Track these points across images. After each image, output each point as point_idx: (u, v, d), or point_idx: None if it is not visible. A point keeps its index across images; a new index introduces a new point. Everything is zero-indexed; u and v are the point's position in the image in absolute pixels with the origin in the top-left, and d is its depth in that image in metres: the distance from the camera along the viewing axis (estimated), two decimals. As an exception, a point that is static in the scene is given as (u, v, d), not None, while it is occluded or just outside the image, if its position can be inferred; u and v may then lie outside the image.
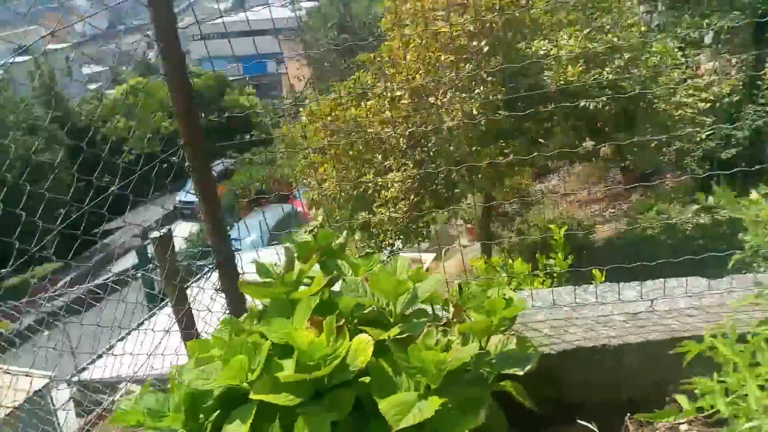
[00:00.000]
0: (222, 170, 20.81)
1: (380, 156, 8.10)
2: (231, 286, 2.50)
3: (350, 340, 1.58)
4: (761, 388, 1.44)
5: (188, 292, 2.63)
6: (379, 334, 1.60)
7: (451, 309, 1.78)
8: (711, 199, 1.54)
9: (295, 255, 1.88)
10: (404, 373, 1.51)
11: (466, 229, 12.61)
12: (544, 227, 10.65)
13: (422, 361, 1.43)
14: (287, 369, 1.54)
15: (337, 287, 1.95)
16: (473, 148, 7.40)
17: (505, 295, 1.68)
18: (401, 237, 8.38)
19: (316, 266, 1.98)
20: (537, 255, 5.82)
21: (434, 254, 10.86)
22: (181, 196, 19.87)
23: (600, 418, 2.00)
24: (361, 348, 1.55)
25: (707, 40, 10.62)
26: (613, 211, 12.01)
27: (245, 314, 1.92)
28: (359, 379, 1.59)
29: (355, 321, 1.81)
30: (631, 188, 12.24)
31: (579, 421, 1.96)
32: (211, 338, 1.84)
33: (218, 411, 1.71)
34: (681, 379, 1.65)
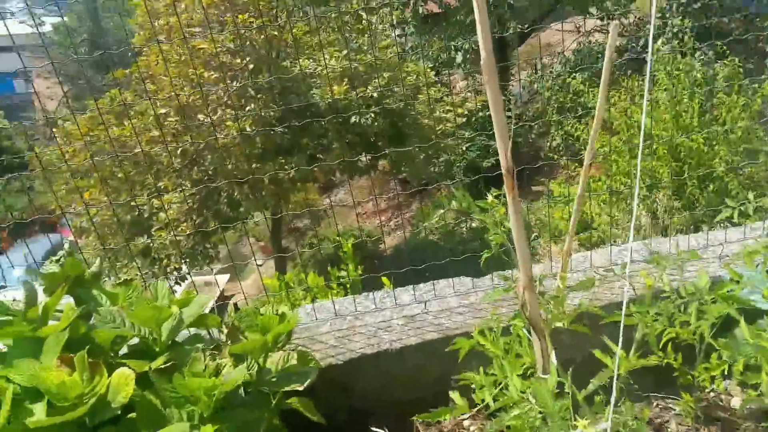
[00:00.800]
0: (-31, 200, 17.87)
1: (152, 177, 7.64)
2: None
3: (111, 375, 1.45)
4: (522, 377, 1.58)
5: None
6: (141, 366, 1.49)
7: (225, 329, 1.74)
8: (453, 203, 1.70)
9: (40, 288, 1.68)
10: (173, 405, 1.42)
11: (260, 247, 12.45)
12: (335, 240, 10.98)
13: (190, 389, 1.36)
14: (38, 413, 1.36)
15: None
16: (253, 166, 7.34)
17: (278, 311, 1.68)
18: (187, 260, 7.99)
19: (67, 298, 1.79)
20: (329, 268, 5.99)
21: (228, 275, 10.55)
22: None
23: (392, 420, 2.04)
24: (121, 383, 1.43)
25: (458, 59, 11.86)
26: (397, 220, 12.80)
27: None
28: (127, 416, 1.47)
29: (120, 354, 1.67)
30: (412, 198, 13.18)
31: (372, 429, 1.98)
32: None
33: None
34: (457, 375, 1.76)
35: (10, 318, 1.54)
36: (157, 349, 1.61)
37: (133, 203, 6.56)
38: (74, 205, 6.61)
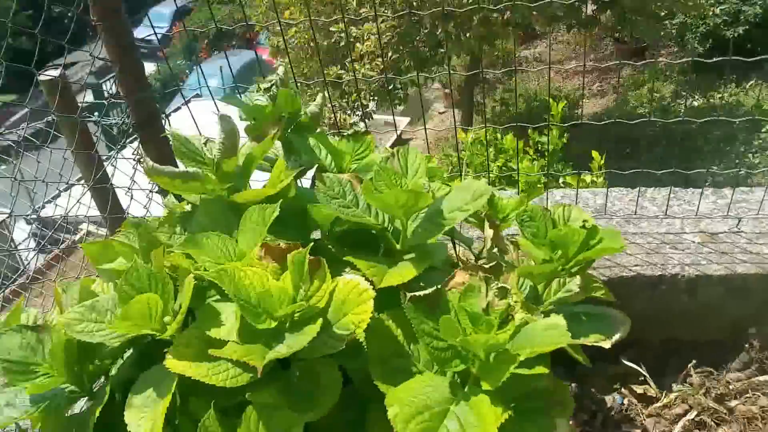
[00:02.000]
0: (180, 7, 18.83)
1: (355, 2, 7.01)
2: (157, 156, 1.78)
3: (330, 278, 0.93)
4: None
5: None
6: (380, 275, 0.95)
7: (487, 230, 1.13)
8: None
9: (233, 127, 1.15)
10: (426, 344, 0.88)
11: (443, 94, 11.71)
12: (531, 98, 9.92)
13: (467, 343, 0.79)
14: (226, 327, 0.89)
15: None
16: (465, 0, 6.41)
17: (585, 222, 1.02)
18: (375, 98, 7.55)
19: (276, 144, 1.28)
20: (530, 131, 5.16)
21: (408, 118, 10.10)
22: (139, 33, 17.89)
23: (652, 359, 1.61)
24: (351, 299, 0.90)
25: None
26: (601, 85, 11.22)
27: (165, 211, 1.23)
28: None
29: (334, 239, 1.15)
30: (623, 63, 11.39)
31: (625, 362, 1.57)
32: (114, 244, 1.17)
33: (119, 365, 1.09)
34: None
35: (198, 169, 1.04)
36: (398, 246, 1.05)
37: (332, 28, 6.07)
38: (272, 24, 6.25)
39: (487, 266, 0.93)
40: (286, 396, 0.87)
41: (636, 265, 1.57)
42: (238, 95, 1.44)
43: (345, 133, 1.30)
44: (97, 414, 0.94)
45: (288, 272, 0.89)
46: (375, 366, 0.89)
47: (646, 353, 1.62)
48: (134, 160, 1.75)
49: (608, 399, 1.63)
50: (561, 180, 5.14)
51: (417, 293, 0.85)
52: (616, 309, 1.10)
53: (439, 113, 11.55)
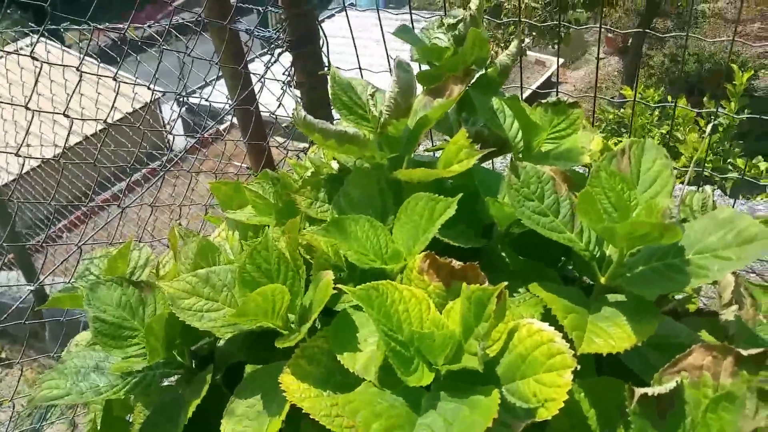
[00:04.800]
0: None
1: None
2: (308, 80, 1.56)
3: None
4: None
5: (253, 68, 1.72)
6: (581, 330, 0.67)
7: (728, 275, 0.81)
8: None
9: (411, 80, 0.88)
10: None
11: (605, 38, 10.64)
12: (704, 59, 8.78)
13: None
14: (364, 356, 0.67)
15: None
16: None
17: None
18: (534, 34, 6.93)
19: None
20: (705, 99, 4.50)
21: (562, 60, 9.31)
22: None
23: None
24: (537, 358, 0.64)
25: None
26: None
27: (306, 171, 1.01)
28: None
29: (510, 244, 0.88)
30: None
31: None
32: (247, 191, 0.98)
33: (231, 338, 0.92)
34: None
35: (358, 132, 0.78)
36: (603, 281, 0.76)
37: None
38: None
39: (746, 352, 0.62)
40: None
41: None
42: (408, 27, 1.16)
43: (543, 102, 0.99)
44: (193, 407, 0.77)
45: (458, 305, 0.64)
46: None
47: None
48: (283, 82, 1.54)
49: None
50: (728, 161, 4.48)
51: (647, 390, 0.57)
52: None
53: (600, 59, 10.55)
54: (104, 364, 0.80)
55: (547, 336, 0.65)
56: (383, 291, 0.63)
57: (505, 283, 0.60)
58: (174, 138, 2.36)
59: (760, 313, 0.84)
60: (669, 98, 4.69)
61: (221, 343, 0.94)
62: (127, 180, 2.33)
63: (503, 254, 0.86)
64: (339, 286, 0.67)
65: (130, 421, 0.96)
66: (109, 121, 1.56)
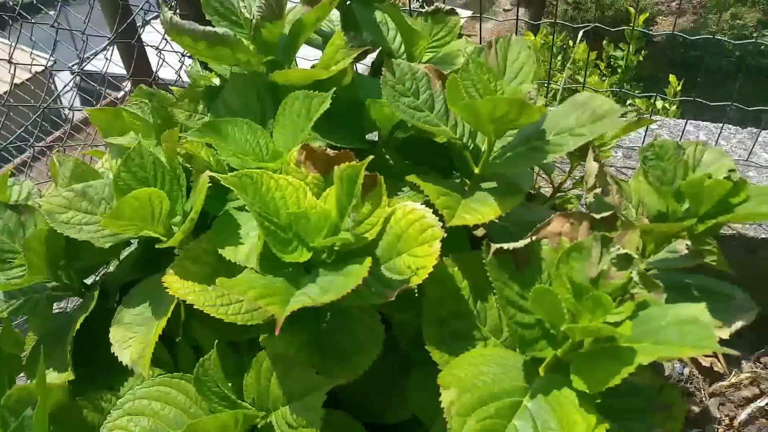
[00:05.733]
0: None
1: None
2: (193, 12, 1.52)
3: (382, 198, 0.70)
4: None
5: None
6: (452, 209, 0.71)
7: (590, 162, 0.87)
8: None
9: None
10: (508, 316, 0.66)
11: (508, -10, 10.81)
12: (605, 6, 9.10)
13: (572, 330, 0.57)
14: (245, 248, 0.68)
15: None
16: None
17: (730, 172, 0.76)
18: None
19: (333, 15, 1.02)
20: (604, 43, 4.70)
21: (470, 12, 9.39)
22: None
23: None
24: (411, 234, 0.68)
25: None
26: (680, 2, 10.20)
27: (189, 84, 0.99)
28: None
29: (394, 148, 0.92)
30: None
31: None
32: (125, 114, 0.96)
33: (118, 262, 0.91)
34: None
35: (229, 31, 0.78)
36: (476, 170, 0.81)
37: None
38: None
39: (598, 216, 0.68)
40: (310, 349, 0.67)
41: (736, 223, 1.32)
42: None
43: (423, 11, 1.02)
44: (79, 323, 0.76)
45: (333, 188, 0.67)
46: (429, 326, 0.68)
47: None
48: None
49: (667, 365, 1.43)
50: (628, 102, 4.72)
51: (503, 245, 0.62)
52: (733, 284, 0.86)
53: (505, 11, 10.72)
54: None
55: (419, 214, 0.68)
56: (257, 179, 0.64)
57: (371, 157, 0.63)
58: (71, 110, 2.25)
59: (624, 199, 0.92)
60: (570, 44, 4.86)
61: (111, 268, 0.93)
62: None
63: (387, 157, 0.89)
64: (211, 174, 0.67)
65: (22, 356, 0.94)
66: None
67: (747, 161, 1.43)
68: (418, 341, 0.69)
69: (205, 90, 0.87)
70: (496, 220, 0.80)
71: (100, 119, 1.01)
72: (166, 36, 1.63)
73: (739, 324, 0.79)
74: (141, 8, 1.53)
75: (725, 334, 0.77)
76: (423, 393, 0.72)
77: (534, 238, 0.68)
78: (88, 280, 0.93)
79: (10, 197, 0.98)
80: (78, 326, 0.74)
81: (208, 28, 0.76)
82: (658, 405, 0.67)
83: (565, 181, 1.11)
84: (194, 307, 0.68)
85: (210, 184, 0.71)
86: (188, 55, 1.52)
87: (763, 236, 1.29)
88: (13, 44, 1.83)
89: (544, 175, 1.23)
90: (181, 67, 1.64)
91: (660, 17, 9.98)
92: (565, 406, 0.60)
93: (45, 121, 2.21)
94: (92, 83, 2.20)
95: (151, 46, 1.56)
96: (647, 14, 4.33)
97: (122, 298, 0.87)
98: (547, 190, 1.26)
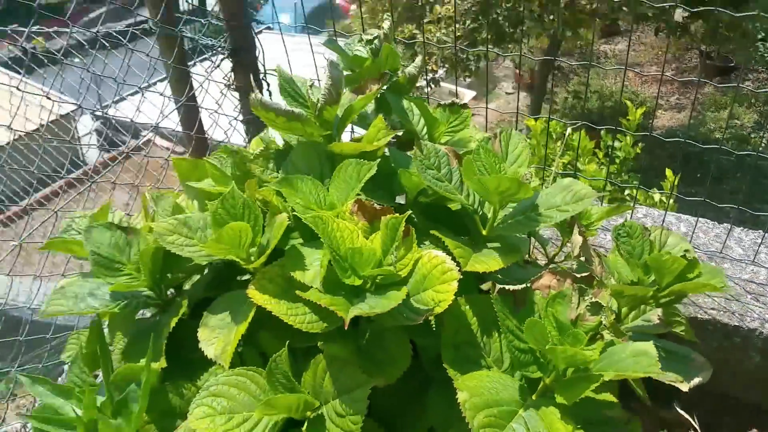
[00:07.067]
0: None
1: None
2: (246, 84, 1.79)
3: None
4: None
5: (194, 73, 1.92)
6: (466, 258, 0.95)
7: (576, 236, 1.11)
8: None
9: (341, 76, 1.14)
10: (508, 342, 0.88)
11: (514, 73, 11.45)
12: (605, 97, 9.60)
13: (554, 352, 0.79)
14: (311, 272, 0.90)
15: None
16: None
17: (686, 252, 1.00)
18: (446, 65, 7.42)
19: (370, 105, 1.28)
20: (603, 133, 5.02)
21: (474, 92, 9.92)
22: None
23: (707, 413, 1.45)
24: (434, 275, 0.90)
25: None
26: (680, 99, 10.77)
27: (257, 146, 1.24)
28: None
29: (419, 209, 1.15)
30: (703, 81, 10.91)
31: (677, 408, 1.45)
32: (207, 165, 1.20)
33: (193, 281, 1.13)
34: None
35: (303, 111, 1.04)
36: (483, 232, 1.05)
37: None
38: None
39: (579, 275, 0.92)
40: (357, 355, 0.89)
41: (713, 309, 1.48)
42: (334, 40, 1.43)
43: (442, 103, 1.28)
44: (173, 323, 0.97)
45: (380, 233, 0.90)
46: (447, 350, 0.90)
47: (701, 404, 1.54)
48: (225, 85, 1.76)
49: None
50: (626, 192, 4.98)
51: (506, 287, 0.84)
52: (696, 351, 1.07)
53: (507, 93, 11.32)
54: (97, 291, 1.00)
55: (441, 259, 0.92)
56: (326, 220, 0.88)
57: (410, 212, 0.87)
58: (87, 151, 2.42)
59: (605, 271, 1.15)
60: (569, 131, 5.22)
61: (187, 287, 1.14)
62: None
63: (413, 216, 1.13)
64: (294, 213, 0.91)
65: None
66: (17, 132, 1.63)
67: (722, 254, 1.64)
68: (437, 362, 0.91)
69: (275, 151, 1.12)
70: (499, 275, 1.03)
71: (182, 166, 1.26)
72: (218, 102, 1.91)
73: (696, 380, 1.00)
74: (205, 78, 1.81)
75: (685, 387, 0.98)
76: (439, 407, 0.93)
77: (529, 285, 0.92)
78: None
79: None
80: (173, 325, 0.96)
81: (287, 107, 1.01)
82: (625, 433, 0.88)
83: (558, 254, 1.34)
84: (262, 319, 0.90)
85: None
86: (240, 119, 1.79)
87: (736, 323, 1.46)
88: (49, 87, 1.97)
89: (540, 249, 1.46)
90: (231, 130, 1.90)
91: (663, 111, 10.50)
92: (550, 417, 0.81)
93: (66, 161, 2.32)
94: (121, 130, 2.32)
95: (206, 109, 1.83)
96: (644, 109, 4.67)
97: (194, 310, 1.09)
98: (542, 261, 1.47)
